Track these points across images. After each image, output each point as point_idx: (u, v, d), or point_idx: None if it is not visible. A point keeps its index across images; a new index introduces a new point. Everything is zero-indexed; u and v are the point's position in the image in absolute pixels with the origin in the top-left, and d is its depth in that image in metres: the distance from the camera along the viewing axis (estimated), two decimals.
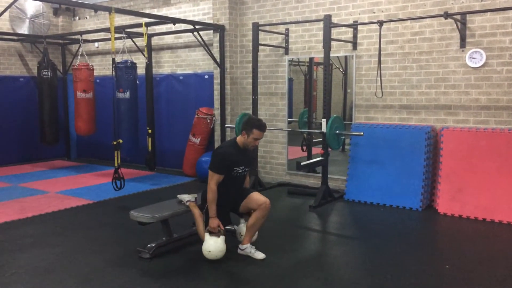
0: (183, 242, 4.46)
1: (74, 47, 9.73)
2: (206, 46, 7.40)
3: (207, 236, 3.93)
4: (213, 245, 3.90)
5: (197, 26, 7.27)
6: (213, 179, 3.95)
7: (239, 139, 4.11)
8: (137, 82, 7.12)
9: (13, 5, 5.77)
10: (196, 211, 4.28)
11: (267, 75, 7.39)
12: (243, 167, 4.13)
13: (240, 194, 4.20)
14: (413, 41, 6.03)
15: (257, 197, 4.13)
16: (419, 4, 5.94)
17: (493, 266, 3.91)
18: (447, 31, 5.78)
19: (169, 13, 8.34)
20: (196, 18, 7.97)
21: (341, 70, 7.80)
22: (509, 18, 5.39)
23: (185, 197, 4.41)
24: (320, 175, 6.24)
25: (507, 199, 5.18)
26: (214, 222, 3.93)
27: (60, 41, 9.59)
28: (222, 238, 3.93)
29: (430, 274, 3.75)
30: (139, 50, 7.94)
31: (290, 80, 7.63)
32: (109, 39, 8.26)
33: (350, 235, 4.95)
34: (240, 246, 4.15)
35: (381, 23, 5.57)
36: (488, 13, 5.44)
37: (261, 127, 4.03)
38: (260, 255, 4.05)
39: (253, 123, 4.03)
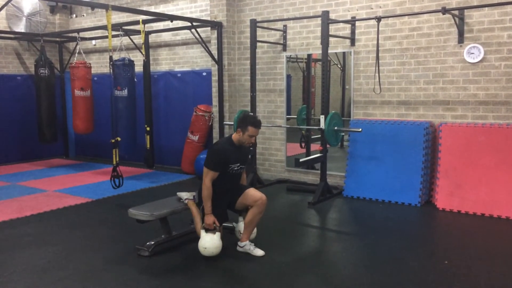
0: (182, 240, 4.46)
1: (71, 45, 9.70)
2: (203, 43, 7.38)
3: (203, 233, 3.94)
4: (209, 242, 3.89)
5: (194, 23, 7.25)
6: (208, 176, 3.95)
7: (234, 136, 4.08)
8: (135, 79, 7.10)
9: (9, 3, 5.74)
10: (194, 209, 4.27)
11: (265, 72, 7.37)
12: (238, 164, 4.11)
13: (236, 191, 4.19)
14: (411, 37, 6.02)
15: (253, 193, 4.11)
16: None
17: (492, 261, 3.92)
18: (445, 26, 5.77)
19: (166, 10, 8.31)
20: (193, 15, 7.95)
21: (339, 66, 7.79)
22: (507, 13, 5.38)
23: (183, 195, 4.40)
24: (319, 171, 6.24)
25: (506, 194, 5.19)
26: (210, 218, 3.94)
27: (57, 39, 9.56)
28: (218, 234, 3.93)
29: (429, 269, 3.75)
30: (137, 47, 7.92)
31: (288, 77, 7.62)
32: (106, 37, 8.24)
33: (349, 231, 4.95)
34: (239, 243, 4.15)
35: (379, 19, 5.56)
36: (486, 8, 5.43)
37: (256, 124, 4.01)
38: (259, 252, 4.05)
39: (248, 120, 4.00)
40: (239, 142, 4.06)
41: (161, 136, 8.64)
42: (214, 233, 3.91)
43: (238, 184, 4.26)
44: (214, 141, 7.68)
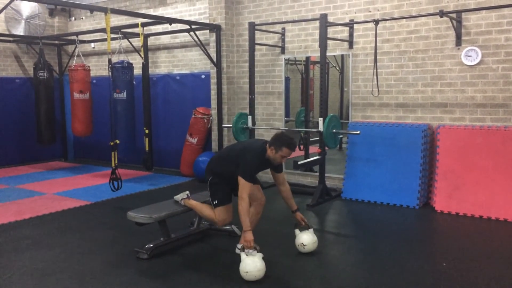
0: (181, 242, 4.47)
1: (70, 48, 9.71)
2: (202, 46, 7.39)
3: (243, 256, 3.63)
4: (250, 265, 3.55)
5: (193, 26, 7.27)
6: (246, 189, 3.81)
7: (267, 151, 3.96)
8: (134, 82, 7.12)
9: (8, 6, 5.75)
10: (193, 203, 4.34)
11: (263, 75, 7.39)
12: (258, 172, 4.27)
13: None
14: (409, 40, 6.04)
15: (255, 192, 4.13)
16: (415, 2, 5.95)
17: (490, 263, 3.93)
18: (443, 29, 5.80)
19: (165, 13, 8.33)
20: (192, 18, 7.97)
21: (338, 68, 7.81)
22: (504, 16, 5.41)
23: (178, 197, 4.43)
24: (318, 174, 6.25)
25: (504, 196, 5.21)
26: (250, 235, 3.68)
27: (56, 42, 9.56)
28: (259, 256, 3.60)
29: (427, 271, 3.76)
30: (136, 50, 7.93)
31: (287, 79, 7.63)
32: (105, 40, 8.25)
33: (347, 234, 4.96)
34: (237, 245, 4.14)
35: (377, 22, 5.59)
36: (484, 11, 5.46)
37: (292, 146, 3.89)
38: (257, 255, 4.04)
39: (284, 141, 3.86)
40: (269, 158, 3.97)
41: (160, 139, 8.64)
42: (255, 254, 3.62)
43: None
44: (213, 143, 7.70)
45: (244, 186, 3.80)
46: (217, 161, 4.24)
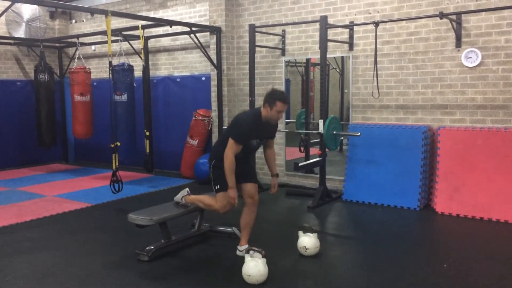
0: (182, 244, 4.47)
1: (71, 50, 9.73)
2: (202, 48, 7.41)
3: (247, 258, 3.65)
4: (253, 269, 3.57)
5: (193, 28, 7.28)
6: (232, 149, 3.83)
7: (263, 112, 3.96)
8: (134, 84, 7.13)
9: (9, 9, 5.77)
10: (193, 197, 4.35)
11: (264, 77, 7.40)
12: (257, 140, 4.06)
13: (244, 170, 4.12)
14: (409, 41, 6.05)
15: (249, 190, 4.09)
16: (415, 4, 5.96)
17: (491, 264, 3.93)
18: (443, 31, 5.81)
19: (165, 15, 8.35)
20: (192, 20, 7.98)
21: (338, 70, 7.83)
22: (504, 17, 5.42)
23: (179, 197, 4.44)
24: (318, 175, 6.26)
25: (504, 197, 5.20)
26: (234, 192, 3.86)
27: (57, 45, 9.58)
28: (263, 260, 3.61)
29: (428, 273, 3.76)
30: (136, 52, 7.95)
31: (287, 81, 7.65)
32: (105, 42, 8.27)
33: (348, 235, 4.96)
34: (238, 247, 4.15)
35: (377, 24, 5.59)
36: (483, 12, 5.47)
37: (285, 99, 3.91)
38: (258, 256, 4.04)
39: (276, 96, 3.88)
40: (266, 118, 3.96)
41: (161, 141, 8.65)
42: (234, 206, 3.67)
43: (249, 158, 4.22)
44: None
45: (231, 146, 3.85)
46: (219, 143, 4.19)
